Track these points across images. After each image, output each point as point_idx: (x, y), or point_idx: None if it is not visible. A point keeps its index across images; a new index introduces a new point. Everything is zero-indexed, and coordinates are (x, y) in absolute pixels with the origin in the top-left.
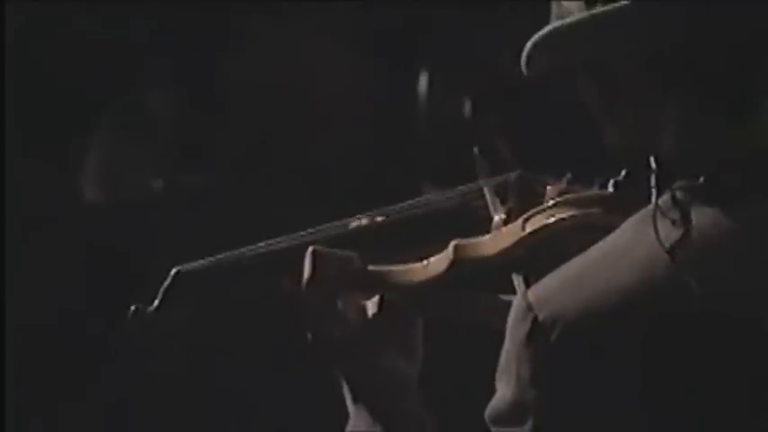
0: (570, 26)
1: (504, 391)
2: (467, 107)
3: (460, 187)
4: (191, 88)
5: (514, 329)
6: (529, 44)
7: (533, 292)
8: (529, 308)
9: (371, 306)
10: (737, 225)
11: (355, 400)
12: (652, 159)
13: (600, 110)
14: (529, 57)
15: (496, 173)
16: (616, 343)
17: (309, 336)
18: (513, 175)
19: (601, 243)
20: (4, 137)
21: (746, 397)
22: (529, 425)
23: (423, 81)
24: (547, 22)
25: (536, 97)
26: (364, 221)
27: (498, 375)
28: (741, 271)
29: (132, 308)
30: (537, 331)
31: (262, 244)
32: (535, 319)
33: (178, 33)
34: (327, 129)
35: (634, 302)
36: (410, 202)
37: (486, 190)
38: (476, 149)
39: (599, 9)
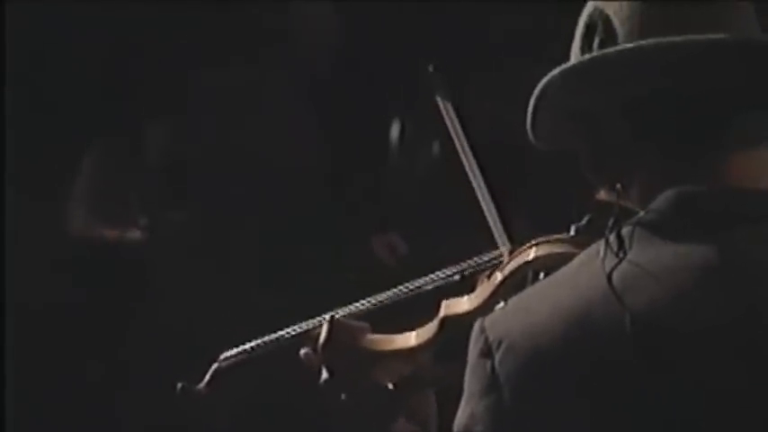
0: (563, 74)
1: (462, 408)
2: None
3: (462, 264)
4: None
5: (470, 351)
6: (533, 98)
7: (489, 318)
8: (482, 330)
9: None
10: (675, 260)
11: None
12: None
13: (588, 162)
14: (535, 109)
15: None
16: (552, 358)
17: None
18: (504, 250)
19: (554, 274)
20: (5, 137)
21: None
22: None
23: (395, 128)
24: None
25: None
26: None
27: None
28: (672, 301)
29: (179, 386)
30: (486, 350)
31: (300, 326)
32: (486, 339)
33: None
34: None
35: (569, 321)
36: (417, 281)
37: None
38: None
39: (583, 57)
